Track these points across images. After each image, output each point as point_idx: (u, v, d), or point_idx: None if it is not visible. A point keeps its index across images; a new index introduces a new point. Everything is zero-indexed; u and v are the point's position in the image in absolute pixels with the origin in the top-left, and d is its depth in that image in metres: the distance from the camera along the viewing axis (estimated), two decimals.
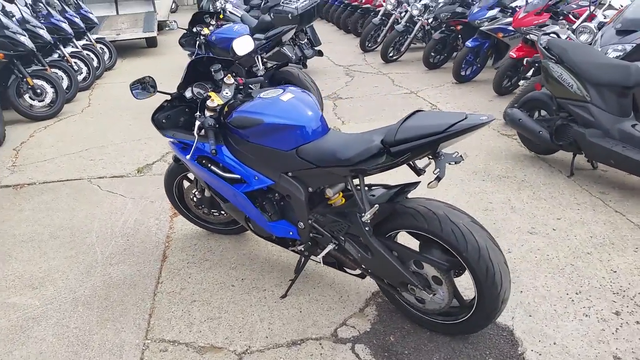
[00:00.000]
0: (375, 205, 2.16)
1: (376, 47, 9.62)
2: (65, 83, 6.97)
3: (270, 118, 2.37)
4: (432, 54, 7.79)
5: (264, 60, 5.49)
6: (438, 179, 2.06)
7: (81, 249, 3.33)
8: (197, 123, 2.57)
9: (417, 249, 2.32)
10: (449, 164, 2.11)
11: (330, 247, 2.45)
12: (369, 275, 2.45)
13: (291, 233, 2.62)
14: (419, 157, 2.09)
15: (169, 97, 2.79)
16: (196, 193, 3.19)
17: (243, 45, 3.06)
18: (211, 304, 2.71)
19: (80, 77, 7.66)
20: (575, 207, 3.42)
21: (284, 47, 6.24)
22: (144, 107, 5.60)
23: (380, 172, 2.19)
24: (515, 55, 5.55)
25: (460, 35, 7.48)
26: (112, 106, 6.83)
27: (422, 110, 2.16)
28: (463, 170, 4.12)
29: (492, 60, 7.00)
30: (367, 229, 2.25)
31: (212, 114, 2.58)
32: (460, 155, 2.11)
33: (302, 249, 2.63)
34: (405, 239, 2.97)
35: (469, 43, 6.56)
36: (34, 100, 6.23)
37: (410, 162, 2.23)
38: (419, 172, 2.34)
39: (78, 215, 3.80)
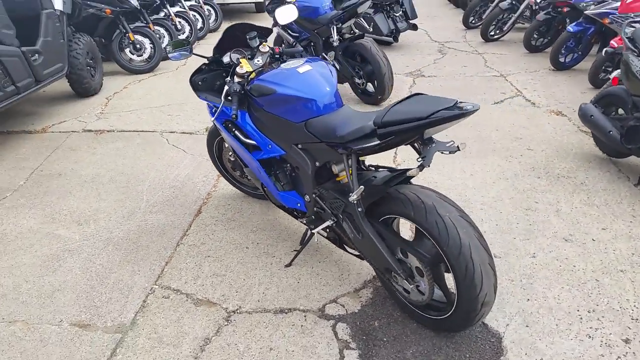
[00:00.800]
0: (361, 187, 2.13)
1: (480, 24, 9.09)
2: (166, 41, 7.46)
3: (283, 89, 2.40)
4: (535, 35, 7.21)
5: (344, 31, 5.45)
6: (421, 167, 1.98)
7: (131, 195, 3.65)
8: (226, 88, 2.68)
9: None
10: (442, 153, 2.02)
11: (327, 223, 2.47)
12: (363, 256, 2.44)
13: (299, 205, 2.66)
14: (406, 142, 2.02)
15: (206, 61, 2.91)
16: (230, 156, 3.33)
17: (286, 14, 3.08)
18: (222, 262, 2.86)
19: (182, 37, 8.14)
20: (628, 219, 3.08)
21: (361, 19, 6.15)
22: None
23: (370, 154, 2.15)
24: (616, 45, 4.98)
25: (567, 19, 6.84)
26: None
27: (421, 94, 2.07)
28: (521, 164, 3.86)
29: (597, 48, 6.33)
30: (359, 209, 2.23)
31: (239, 80, 2.66)
32: (457, 146, 2.01)
33: (306, 222, 2.67)
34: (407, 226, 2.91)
35: (570, 27, 5.98)
36: (133, 54, 6.77)
37: (416, 146, 2.15)
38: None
39: (140, 164, 4.14)
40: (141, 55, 6.82)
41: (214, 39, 8.98)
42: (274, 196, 2.80)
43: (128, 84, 6.42)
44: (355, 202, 2.18)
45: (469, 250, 1.97)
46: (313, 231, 2.59)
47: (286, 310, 2.49)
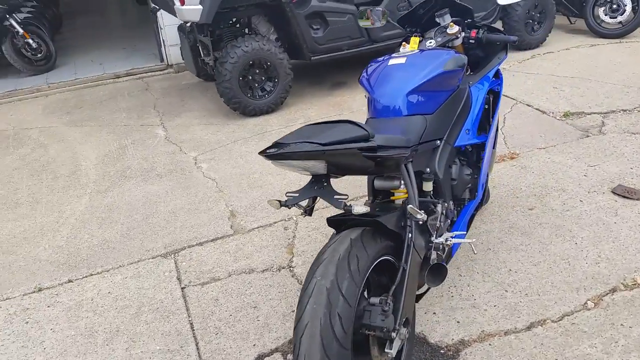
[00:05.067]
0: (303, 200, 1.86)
1: None
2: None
3: (363, 79, 2.19)
4: None
5: None
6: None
7: None
8: None
9: None
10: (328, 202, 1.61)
11: None
12: None
13: None
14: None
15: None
16: None
17: None
18: None
19: None
20: None
21: None
22: None
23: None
24: None
25: None
26: None
27: (350, 122, 1.59)
28: None
29: None
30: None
31: None
32: (347, 204, 1.58)
33: None
34: None
35: None
36: (606, 15, 5.89)
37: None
38: None
39: None
40: (615, 18, 5.84)
41: None
42: None
43: (577, 46, 5.78)
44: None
45: (303, 329, 1.52)
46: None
47: None
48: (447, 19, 2.38)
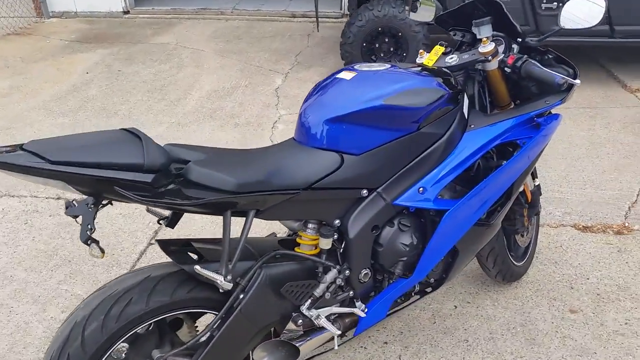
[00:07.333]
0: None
1: None
2: None
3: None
4: None
5: None
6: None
7: None
8: None
9: None
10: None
11: None
12: None
13: None
14: None
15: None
16: None
17: (576, 11, 1.53)
18: None
19: None
20: None
21: None
22: None
23: None
24: None
25: None
26: None
27: (143, 143, 1.23)
28: None
29: None
30: None
31: None
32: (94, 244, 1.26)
33: None
34: None
35: None
36: None
37: None
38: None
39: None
40: None
41: None
42: None
43: None
44: None
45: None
46: None
47: None
48: (485, 31, 1.68)
